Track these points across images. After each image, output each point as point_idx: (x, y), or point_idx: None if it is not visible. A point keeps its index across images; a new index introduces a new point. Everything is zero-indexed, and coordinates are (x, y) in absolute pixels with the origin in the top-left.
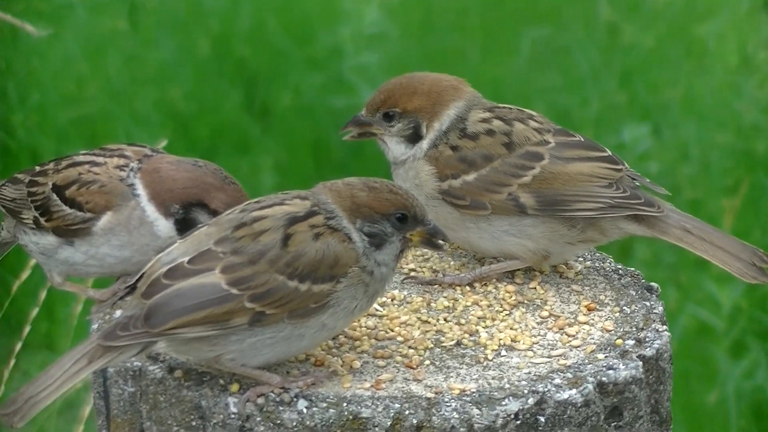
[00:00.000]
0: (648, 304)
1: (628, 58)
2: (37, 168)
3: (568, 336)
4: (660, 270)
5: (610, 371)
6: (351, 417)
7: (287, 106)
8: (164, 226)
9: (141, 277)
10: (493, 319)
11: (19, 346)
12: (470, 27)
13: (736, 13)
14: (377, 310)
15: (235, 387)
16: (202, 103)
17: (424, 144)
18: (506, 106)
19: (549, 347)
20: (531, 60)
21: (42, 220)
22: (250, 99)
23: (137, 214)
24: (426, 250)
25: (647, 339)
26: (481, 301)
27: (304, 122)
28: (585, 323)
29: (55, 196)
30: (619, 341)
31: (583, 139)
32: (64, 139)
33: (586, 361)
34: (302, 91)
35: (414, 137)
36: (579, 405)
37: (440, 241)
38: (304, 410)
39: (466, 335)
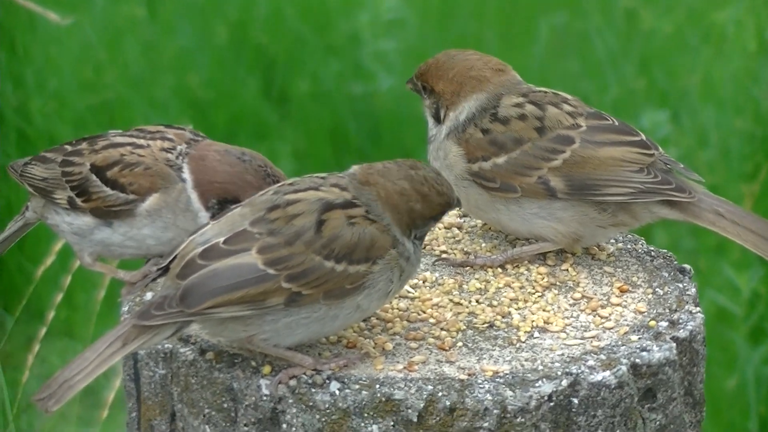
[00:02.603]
0: (681, 285)
1: (647, 44)
2: (69, 147)
3: (601, 318)
4: (679, 255)
5: (644, 353)
6: (384, 399)
7: (305, 93)
8: (204, 216)
9: (174, 258)
10: (526, 301)
11: (43, 331)
12: (489, 13)
13: None
14: (409, 292)
15: (267, 369)
16: (220, 90)
17: (443, 129)
18: (542, 89)
19: (582, 329)
20: (549, 47)
21: (79, 200)
22: (268, 86)
23: (184, 197)
24: None
25: (680, 321)
26: (513, 282)
27: (322, 109)
28: (618, 305)
29: (94, 177)
30: (653, 323)
31: (616, 123)
32: (81, 126)
33: (620, 342)
34: (320, 77)
35: (438, 117)
36: (613, 387)
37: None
38: (337, 392)
39: (499, 317)
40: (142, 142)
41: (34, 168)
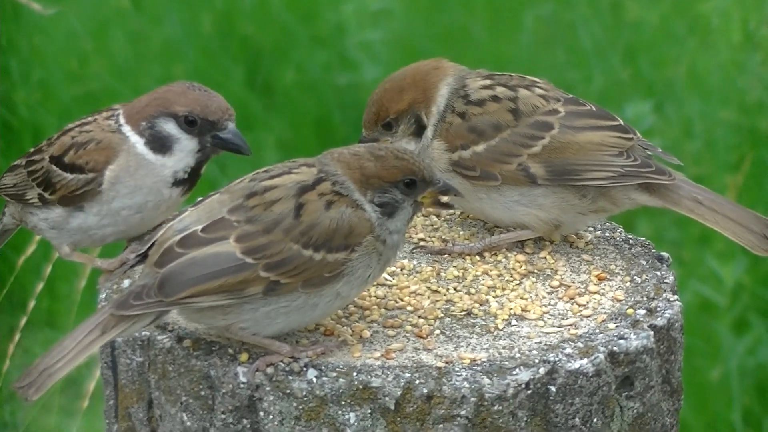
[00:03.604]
0: (659, 273)
1: (633, 34)
2: (32, 150)
3: (579, 305)
4: (663, 246)
5: (621, 341)
6: (361, 386)
7: (291, 83)
8: (141, 146)
9: (152, 245)
10: (504, 289)
11: (24, 321)
12: (475, 3)
13: None
14: (387, 279)
15: (244, 357)
16: (206, 80)
17: (429, 131)
18: (505, 73)
19: (560, 317)
20: (536, 37)
21: (46, 194)
22: (253, 76)
23: (133, 157)
24: (439, 210)
25: (658, 308)
26: (491, 270)
27: (308, 99)
28: (596, 293)
29: (54, 167)
30: (630, 311)
31: (594, 108)
32: (66, 117)
33: (597, 330)
34: (306, 68)
35: (419, 130)
36: (590, 375)
37: (450, 196)
38: (314, 380)
39: (477, 305)
40: (89, 119)
41: (5, 179)
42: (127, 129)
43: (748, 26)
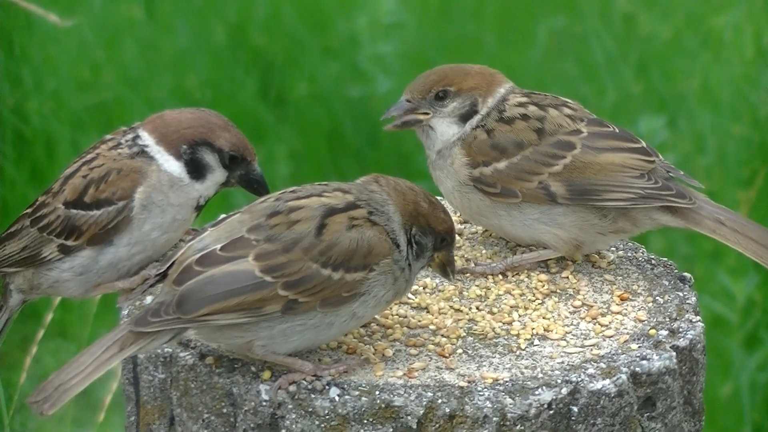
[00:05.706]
0: (681, 294)
1: (645, 48)
2: (29, 210)
3: (601, 326)
4: (674, 261)
5: (644, 361)
6: (383, 405)
7: (303, 95)
8: (176, 167)
9: (172, 264)
10: (526, 308)
11: (41, 334)
12: (487, 16)
13: (752, 4)
14: (409, 298)
15: (266, 374)
16: (218, 91)
17: (475, 120)
18: (542, 93)
19: (582, 337)
20: (548, 50)
21: (71, 241)
22: (265, 87)
23: (164, 174)
24: (438, 273)
25: (681, 329)
26: (513, 290)
27: (320, 111)
28: (618, 313)
29: (74, 211)
30: (653, 331)
31: (617, 130)
32: (79, 127)
33: (620, 351)
34: (318, 79)
35: (468, 115)
36: (612, 395)
37: (450, 273)
38: (336, 398)
39: (499, 324)
40: (89, 156)
41: (5, 250)
42: (156, 150)
43: (760, 41)
